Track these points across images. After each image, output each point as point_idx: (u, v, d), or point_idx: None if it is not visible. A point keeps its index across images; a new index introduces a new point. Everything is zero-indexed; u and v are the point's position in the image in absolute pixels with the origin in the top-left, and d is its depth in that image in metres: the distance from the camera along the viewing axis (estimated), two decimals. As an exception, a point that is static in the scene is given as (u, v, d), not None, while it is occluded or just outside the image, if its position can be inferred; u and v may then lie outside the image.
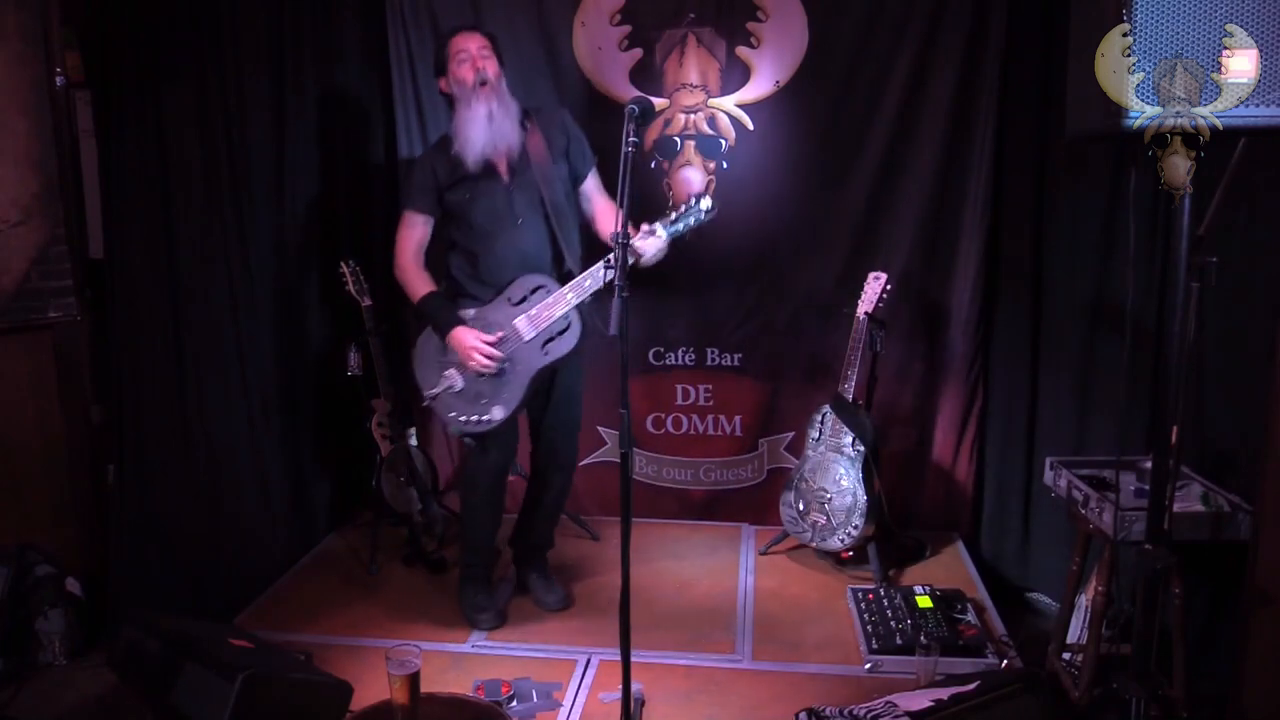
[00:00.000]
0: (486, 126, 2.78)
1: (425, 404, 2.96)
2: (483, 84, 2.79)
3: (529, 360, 2.79)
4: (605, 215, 2.95)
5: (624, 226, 2.00)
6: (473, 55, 2.82)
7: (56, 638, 2.88)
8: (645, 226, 2.63)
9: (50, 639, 2.87)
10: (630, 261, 2.45)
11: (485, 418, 2.81)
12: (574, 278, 2.76)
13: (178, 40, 3.05)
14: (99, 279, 3.12)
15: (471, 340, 2.78)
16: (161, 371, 3.09)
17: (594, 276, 2.69)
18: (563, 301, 2.74)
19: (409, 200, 2.96)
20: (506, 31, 3.68)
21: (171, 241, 3.07)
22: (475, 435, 2.87)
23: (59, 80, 3.05)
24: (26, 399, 3.05)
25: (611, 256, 2.41)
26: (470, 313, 2.89)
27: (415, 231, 2.94)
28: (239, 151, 3.27)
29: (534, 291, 2.79)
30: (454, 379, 2.86)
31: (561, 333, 2.77)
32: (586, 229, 3.05)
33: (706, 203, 2.65)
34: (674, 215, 2.63)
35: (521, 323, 2.79)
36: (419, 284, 2.93)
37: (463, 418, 2.84)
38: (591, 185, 3.01)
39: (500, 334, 2.80)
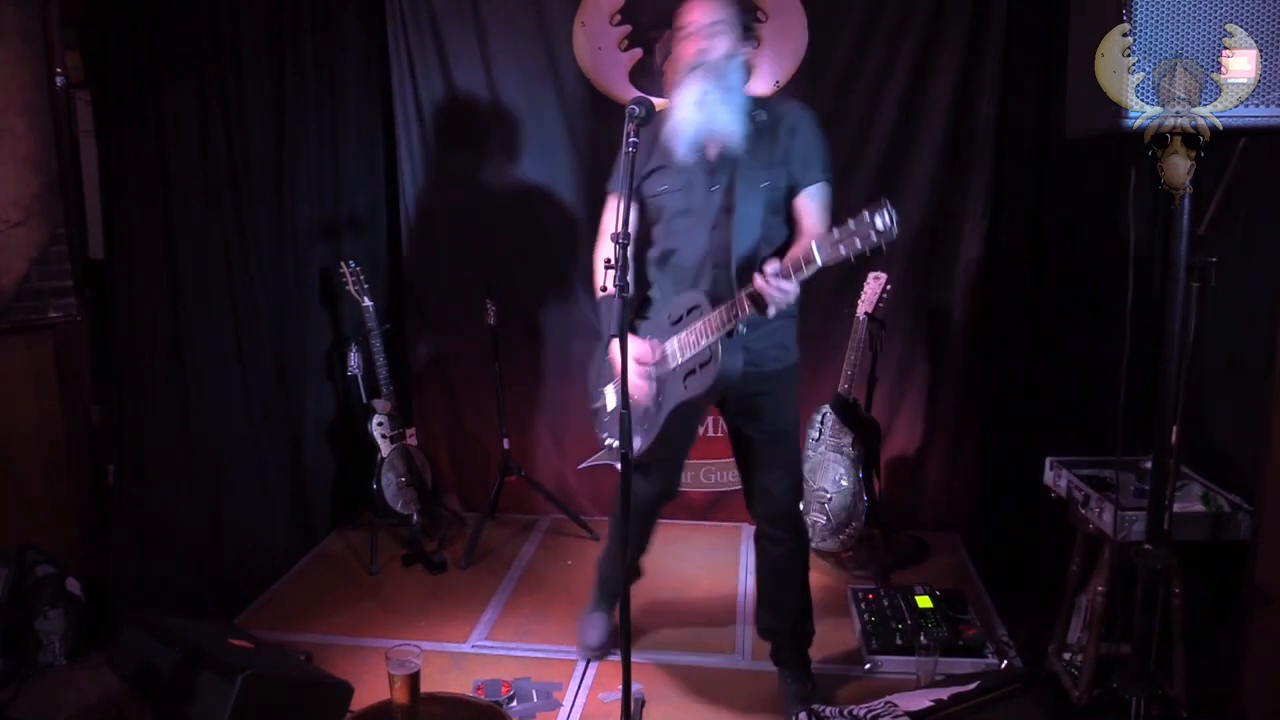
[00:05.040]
0: (696, 110, 2.30)
1: (592, 408, 2.60)
2: (698, 67, 2.30)
3: (670, 391, 2.37)
4: (804, 239, 2.33)
5: (625, 225, 1.97)
6: (699, 31, 2.31)
7: (56, 638, 2.88)
8: (793, 256, 2.10)
9: (50, 639, 2.87)
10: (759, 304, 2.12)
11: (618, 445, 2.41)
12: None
13: (178, 40, 3.05)
14: (99, 279, 3.12)
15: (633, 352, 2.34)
16: (161, 371, 3.09)
17: (740, 302, 2.22)
18: (707, 327, 2.27)
19: (612, 181, 2.55)
20: (507, 31, 3.70)
21: (171, 241, 3.07)
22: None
23: (59, 80, 3.05)
24: (27, 399, 3.04)
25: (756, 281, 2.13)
26: (638, 324, 2.49)
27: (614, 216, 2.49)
28: (239, 151, 3.27)
29: (690, 312, 2.35)
30: (605, 398, 2.50)
31: (703, 365, 2.30)
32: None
33: (884, 219, 1.93)
34: (838, 235, 2.02)
35: (672, 346, 2.37)
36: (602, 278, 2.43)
37: (609, 441, 2.51)
38: (804, 203, 2.39)
39: (661, 354, 2.39)
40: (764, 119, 2.37)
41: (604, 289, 2.31)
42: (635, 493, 2.67)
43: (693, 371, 2.33)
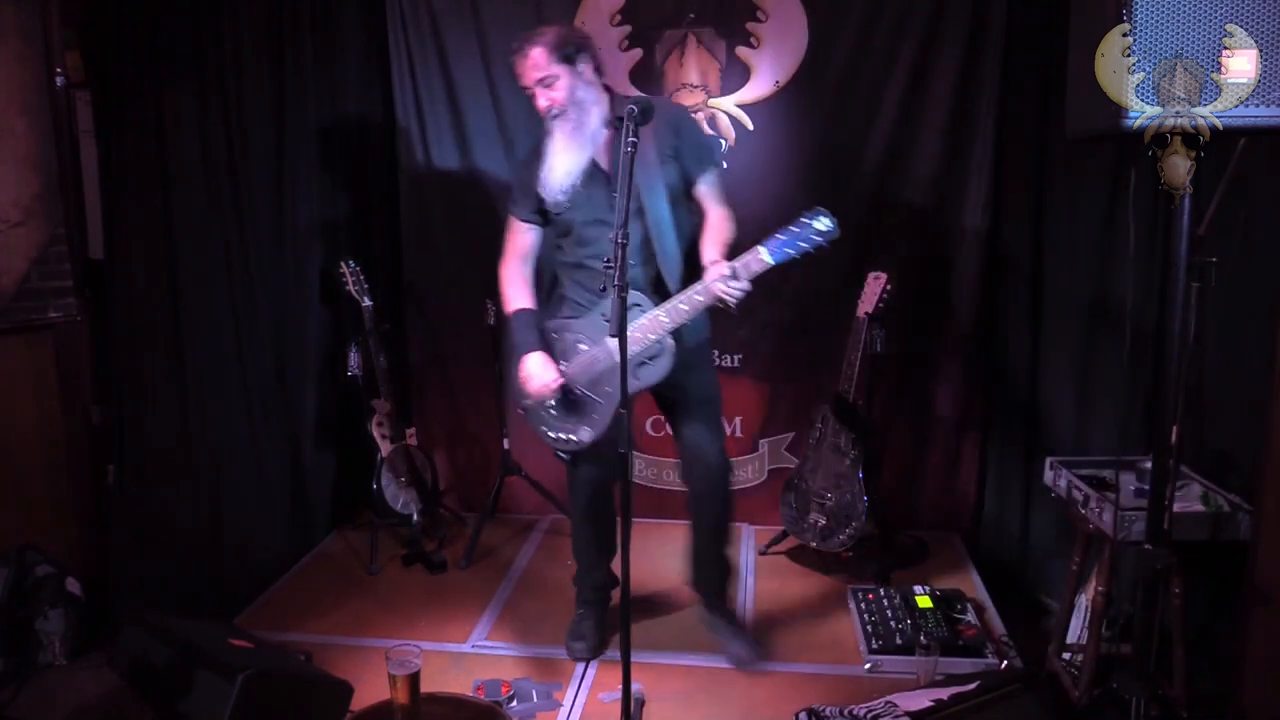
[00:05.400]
0: (566, 154, 2.54)
1: (519, 411, 2.78)
2: (555, 119, 2.52)
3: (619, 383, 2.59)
4: (711, 228, 2.56)
5: (625, 224, 1.98)
6: (535, 89, 2.51)
7: (56, 638, 2.88)
8: (739, 261, 2.35)
9: (50, 639, 2.87)
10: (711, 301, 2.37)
11: (573, 438, 2.64)
12: (671, 297, 2.50)
13: (178, 40, 3.05)
14: (99, 279, 3.12)
15: (532, 370, 2.61)
16: (161, 371, 3.09)
17: (689, 300, 2.42)
18: (655, 325, 2.47)
19: (511, 205, 2.75)
20: (507, 31, 3.70)
21: (171, 241, 3.08)
22: (568, 453, 2.71)
23: (59, 80, 3.05)
24: (27, 399, 3.05)
25: (702, 282, 2.39)
26: (570, 322, 2.69)
27: (517, 239, 2.74)
28: (239, 151, 3.27)
29: (630, 309, 2.46)
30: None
31: (653, 358, 2.51)
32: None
33: (825, 222, 2.29)
34: (782, 236, 2.31)
35: (614, 342, 2.52)
36: (511, 297, 2.72)
37: (552, 434, 2.68)
38: (703, 191, 2.62)
39: (586, 352, 2.61)
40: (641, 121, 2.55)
41: (512, 311, 2.69)
42: (580, 479, 2.84)
43: (644, 363, 2.53)
